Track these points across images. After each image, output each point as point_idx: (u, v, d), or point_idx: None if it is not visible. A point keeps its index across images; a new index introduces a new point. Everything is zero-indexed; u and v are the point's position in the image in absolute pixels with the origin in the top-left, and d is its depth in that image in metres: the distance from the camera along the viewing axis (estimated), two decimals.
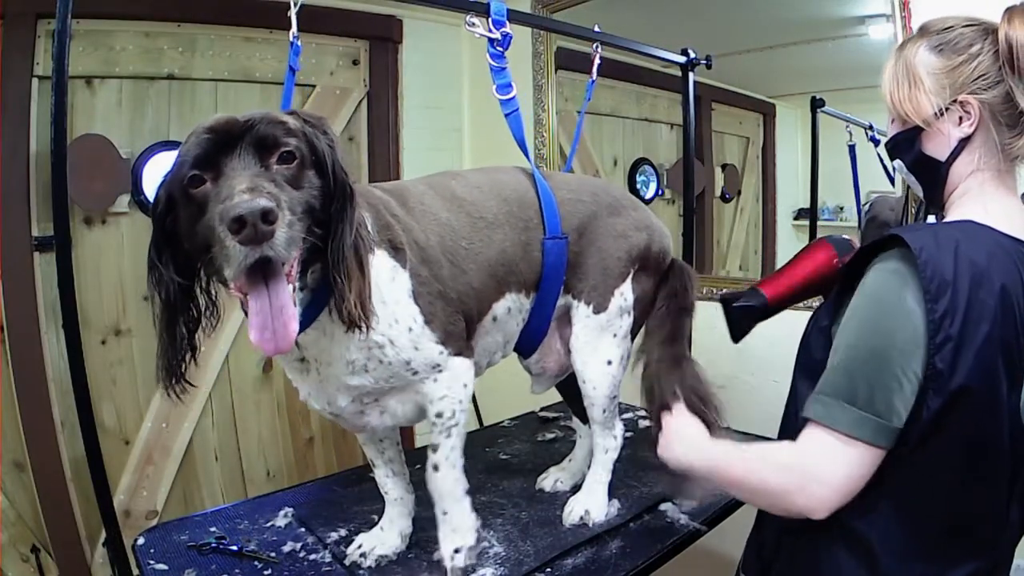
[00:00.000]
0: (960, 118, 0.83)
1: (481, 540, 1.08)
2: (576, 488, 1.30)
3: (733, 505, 1.27)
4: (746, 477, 0.85)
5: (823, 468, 0.77)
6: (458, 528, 1.07)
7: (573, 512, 1.22)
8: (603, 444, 1.27)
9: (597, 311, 1.22)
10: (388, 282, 0.95)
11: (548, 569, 1.07)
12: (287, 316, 0.78)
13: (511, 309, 1.17)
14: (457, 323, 1.05)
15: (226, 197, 0.74)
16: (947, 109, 0.83)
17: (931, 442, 0.75)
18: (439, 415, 1.05)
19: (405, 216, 1.04)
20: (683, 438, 0.98)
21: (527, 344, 1.26)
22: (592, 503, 1.23)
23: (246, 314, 0.84)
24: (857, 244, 1.05)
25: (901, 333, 0.74)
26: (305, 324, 0.89)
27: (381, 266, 0.94)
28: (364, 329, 0.87)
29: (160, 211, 0.84)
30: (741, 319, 1.13)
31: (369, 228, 0.93)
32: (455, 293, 1.05)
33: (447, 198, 1.12)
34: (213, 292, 0.90)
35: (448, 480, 1.07)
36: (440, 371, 1.03)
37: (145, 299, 2.05)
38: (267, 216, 0.72)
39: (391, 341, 0.96)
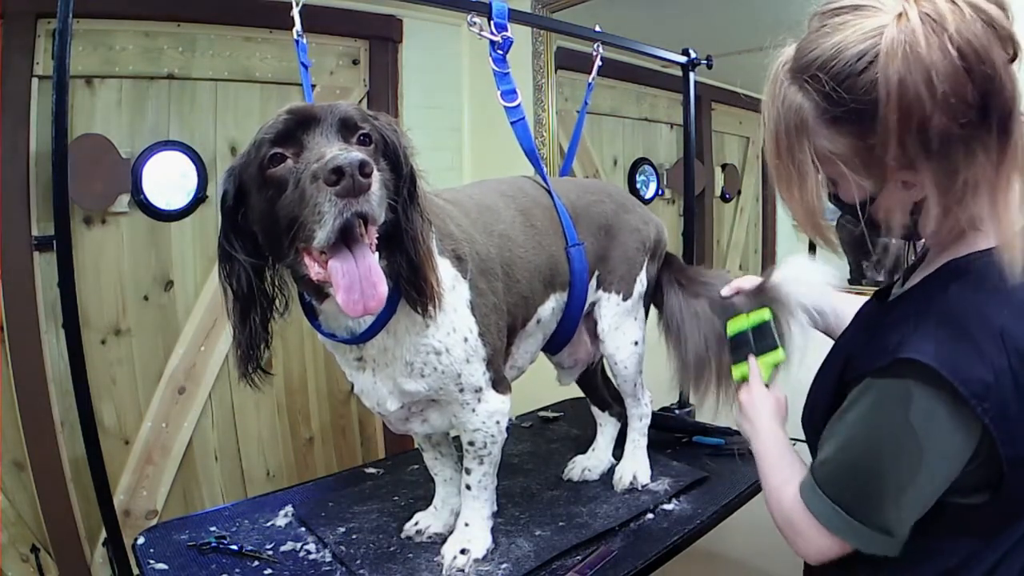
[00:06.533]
0: (905, 182, 0.68)
1: (488, 560, 1.07)
2: (603, 475, 1.39)
3: (733, 505, 1.28)
4: (768, 487, 0.86)
5: (806, 536, 0.78)
6: (472, 539, 1.09)
7: (623, 479, 1.33)
8: (637, 413, 1.40)
9: (625, 299, 1.34)
10: (449, 291, 0.97)
11: (548, 569, 1.07)
12: (375, 277, 0.78)
13: (554, 309, 1.24)
14: (502, 339, 1.08)
15: (318, 158, 0.74)
16: (882, 188, 0.69)
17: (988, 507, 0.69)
18: (471, 443, 1.09)
19: (469, 226, 1.06)
20: (757, 415, 0.94)
21: (562, 340, 1.33)
22: (638, 467, 1.35)
23: (312, 297, 0.89)
24: None
25: (902, 457, 0.68)
26: (377, 327, 0.92)
27: (444, 275, 0.95)
28: (434, 311, 0.89)
29: (229, 205, 0.86)
30: None
31: (434, 235, 0.95)
32: (507, 305, 1.09)
33: (500, 208, 1.16)
34: (281, 280, 0.93)
35: (478, 501, 1.11)
36: (480, 400, 1.05)
37: (146, 299, 2.07)
38: (364, 168, 0.73)
39: (447, 349, 0.98)
